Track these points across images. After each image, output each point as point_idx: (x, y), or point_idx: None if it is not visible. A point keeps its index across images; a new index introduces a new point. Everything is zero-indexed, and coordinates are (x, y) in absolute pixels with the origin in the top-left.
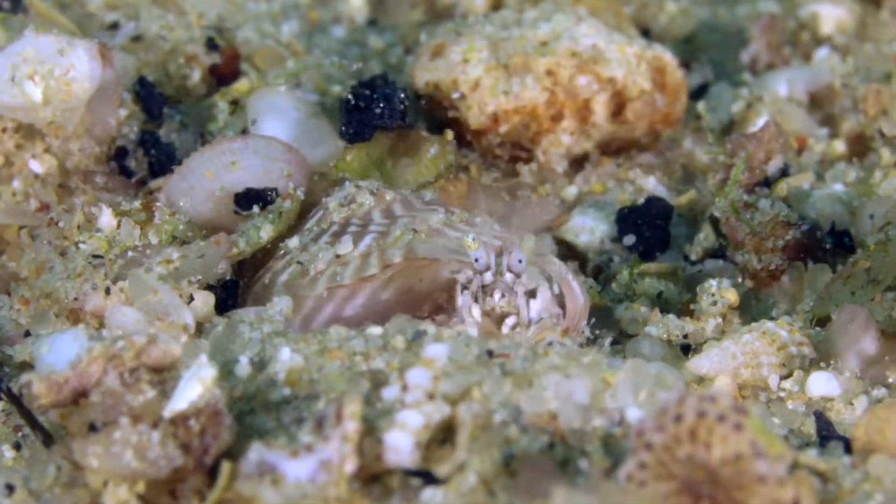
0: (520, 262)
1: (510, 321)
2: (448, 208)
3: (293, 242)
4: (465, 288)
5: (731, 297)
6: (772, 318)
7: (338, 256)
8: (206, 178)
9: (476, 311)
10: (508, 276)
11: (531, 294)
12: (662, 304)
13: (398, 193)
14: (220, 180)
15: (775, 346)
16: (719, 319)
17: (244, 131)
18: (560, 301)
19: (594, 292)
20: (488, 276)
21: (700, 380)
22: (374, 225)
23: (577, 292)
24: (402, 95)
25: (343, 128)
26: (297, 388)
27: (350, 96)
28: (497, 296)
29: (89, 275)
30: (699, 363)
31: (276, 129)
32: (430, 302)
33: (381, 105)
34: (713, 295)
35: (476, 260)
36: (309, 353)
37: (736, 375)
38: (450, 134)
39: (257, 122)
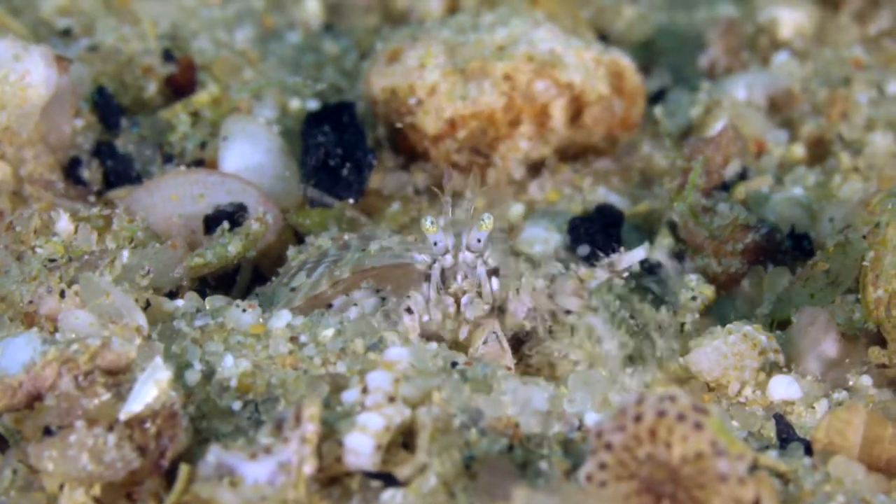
0: (478, 241)
1: (465, 299)
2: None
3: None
4: (426, 278)
5: (709, 293)
6: (747, 322)
7: (293, 290)
8: (171, 200)
9: (445, 300)
10: (468, 256)
11: (493, 272)
12: None
13: (357, 233)
14: (182, 208)
15: (756, 350)
16: (697, 315)
17: (203, 144)
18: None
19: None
20: (448, 260)
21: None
22: (328, 257)
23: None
24: (373, 162)
25: (307, 189)
26: (253, 392)
27: (322, 153)
28: (459, 277)
29: (44, 278)
30: (698, 359)
31: (242, 150)
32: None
33: (350, 178)
34: (693, 289)
35: (435, 243)
36: (257, 359)
37: (724, 376)
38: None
39: (228, 139)
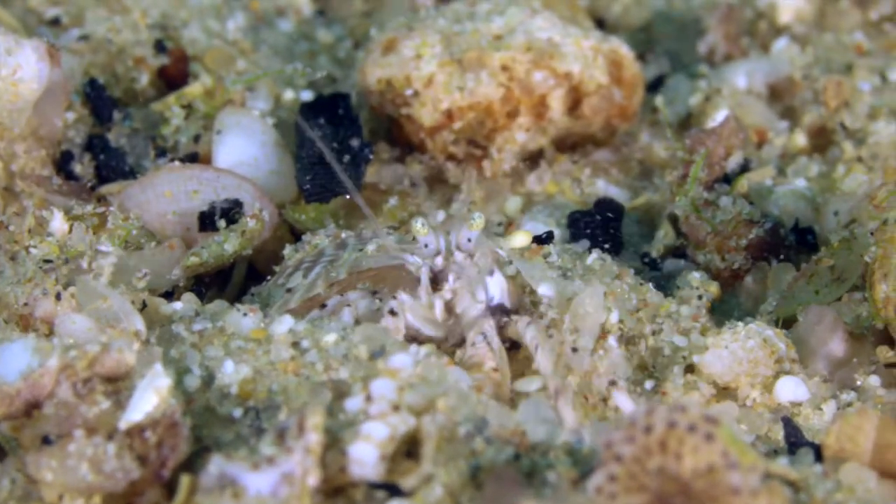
0: (469, 240)
1: (462, 303)
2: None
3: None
4: (419, 279)
5: (714, 289)
6: (768, 326)
7: (288, 290)
8: (165, 196)
9: (437, 303)
10: (459, 256)
11: (488, 271)
12: None
13: (354, 231)
14: (177, 205)
15: (773, 358)
16: (704, 313)
17: (197, 137)
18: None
19: None
20: (439, 262)
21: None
22: (325, 257)
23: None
24: (370, 156)
25: (304, 184)
26: (254, 399)
27: (318, 146)
28: (451, 278)
29: (40, 280)
30: (711, 362)
31: (237, 144)
32: None
33: (347, 172)
34: (697, 287)
35: (426, 245)
36: (258, 365)
37: (735, 381)
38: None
39: (222, 133)
